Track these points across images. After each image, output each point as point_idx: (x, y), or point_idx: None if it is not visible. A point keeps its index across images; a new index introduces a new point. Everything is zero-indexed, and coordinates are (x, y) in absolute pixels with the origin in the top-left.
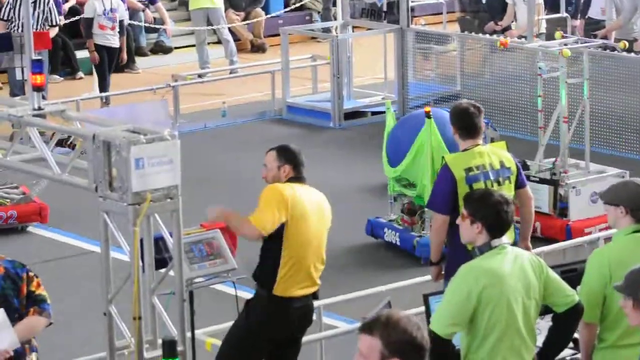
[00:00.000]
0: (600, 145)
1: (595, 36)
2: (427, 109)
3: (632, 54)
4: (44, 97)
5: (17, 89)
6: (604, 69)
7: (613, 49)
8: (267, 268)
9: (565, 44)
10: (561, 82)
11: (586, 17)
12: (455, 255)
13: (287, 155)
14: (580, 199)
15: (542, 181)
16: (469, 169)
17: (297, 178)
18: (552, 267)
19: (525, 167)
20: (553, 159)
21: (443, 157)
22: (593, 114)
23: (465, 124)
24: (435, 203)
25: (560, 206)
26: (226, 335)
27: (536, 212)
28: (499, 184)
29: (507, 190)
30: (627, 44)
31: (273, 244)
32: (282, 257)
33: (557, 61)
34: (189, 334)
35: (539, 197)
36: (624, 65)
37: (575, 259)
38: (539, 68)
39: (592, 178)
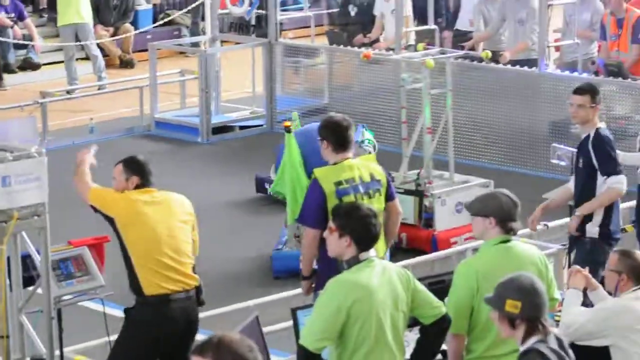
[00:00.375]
0: (465, 156)
1: (463, 47)
2: (287, 123)
3: (497, 65)
4: None
5: None
6: (468, 79)
7: (480, 59)
8: (130, 274)
9: (428, 55)
10: (424, 93)
11: (454, 28)
12: (325, 269)
13: (133, 167)
14: (445, 209)
15: (407, 192)
16: (339, 183)
17: (144, 185)
18: (420, 279)
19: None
20: (417, 170)
21: (313, 171)
22: (457, 125)
23: (337, 137)
24: (305, 217)
25: (426, 217)
26: (111, 351)
27: (402, 223)
28: (369, 196)
29: (377, 203)
30: (490, 54)
31: (122, 250)
32: (132, 258)
33: (421, 72)
34: (57, 352)
35: (404, 209)
36: (487, 76)
37: (443, 270)
38: (402, 79)
39: (457, 188)
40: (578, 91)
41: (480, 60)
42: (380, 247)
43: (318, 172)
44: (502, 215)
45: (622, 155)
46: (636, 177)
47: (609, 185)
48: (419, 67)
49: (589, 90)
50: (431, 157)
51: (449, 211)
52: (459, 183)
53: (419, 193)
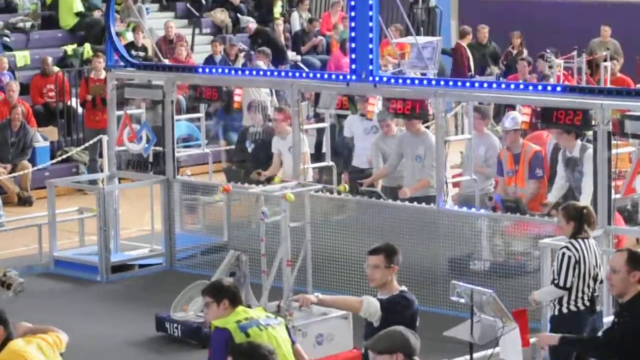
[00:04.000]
0: (364, 292)
1: (361, 184)
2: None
3: (395, 201)
4: None
5: None
6: (365, 216)
7: (371, 195)
8: None
9: (286, 188)
10: (283, 225)
11: (350, 166)
12: None
13: None
14: (306, 340)
15: None
16: (239, 321)
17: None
18: None
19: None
20: (277, 302)
21: (211, 323)
22: (354, 261)
23: (232, 294)
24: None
25: None
26: None
27: None
28: (272, 327)
29: (280, 332)
30: (346, 187)
31: None
32: None
33: (280, 205)
34: None
35: None
36: (386, 212)
37: None
38: (262, 213)
39: (317, 320)
40: (373, 251)
41: (378, 196)
42: None
43: (215, 322)
44: (409, 351)
45: (537, 293)
46: None
47: None
48: (278, 201)
49: (384, 250)
50: (292, 288)
51: (309, 343)
52: (318, 314)
53: None
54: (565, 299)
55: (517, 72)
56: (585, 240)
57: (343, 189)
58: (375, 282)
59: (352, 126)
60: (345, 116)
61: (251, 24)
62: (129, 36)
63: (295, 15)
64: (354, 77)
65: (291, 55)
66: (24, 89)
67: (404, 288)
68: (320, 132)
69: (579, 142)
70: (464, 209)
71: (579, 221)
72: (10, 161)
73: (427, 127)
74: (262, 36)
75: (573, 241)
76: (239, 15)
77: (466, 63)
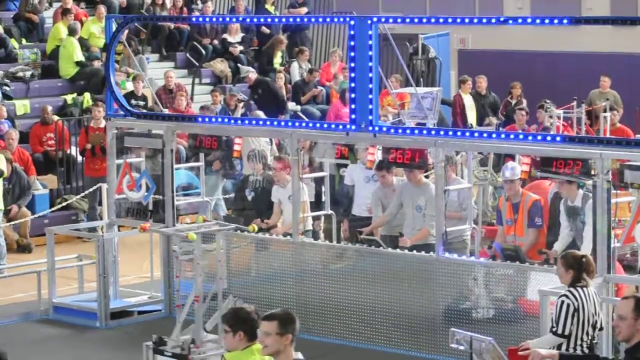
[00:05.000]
0: (364, 340)
1: (360, 232)
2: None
3: (395, 250)
4: None
5: None
6: (366, 264)
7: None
8: None
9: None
10: (194, 263)
11: (350, 215)
12: None
13: None
14: None
15: (174, 355)
16: None
17: None
18: None
19: (162, 342)
20: (188, 336)
21: (222, 356)
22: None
23: (250, 327)
24: None
25: None
26: None
27: None
28: None
29: None
30: (256, 227)
31: None
32: None
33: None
34: None
35: None
36: (385, 260)
37: None
38: (174, 251)
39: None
40: (267, 317)
41: (378, 245)
42: None
43: (227, 355)
44: None
45: (533, 342)
46: None
47: None
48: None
49: (278, 318)
50: (202, 321)
51: None
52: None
53: (182, 357)
54: (564, 347)
55: (514, 122)
56: (585, 288)
57: (252, 229)
58: (267, 350)
59: (354, 174)
60: (345, 165)
61: (251, 73)
62: (129, 85)
63: (295, 65)
64: (353, 127)
65: (291, 105)
66: (24, 138)
67: (300, 357)
68: (319, 181)
69: (580, 191)
70: (464, 257)
71: (577, 270)
72: (8, 210)
73: (427, 177)
74: (262, 86)
75: (572, 289)
76: (239, 65)
77: (459, 111)
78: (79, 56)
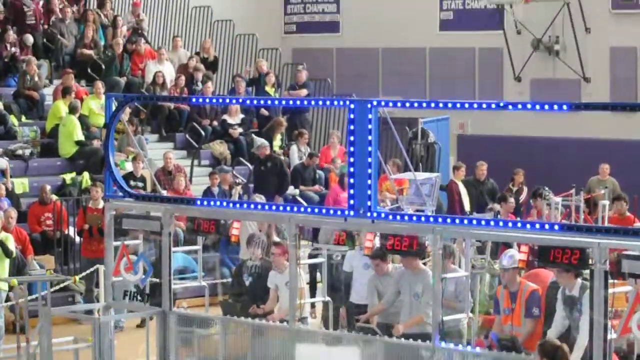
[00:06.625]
0: None
1: (358, 320)
2: None
3: (390, 338)
4: None
5: None
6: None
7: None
8: None
9: None
10: None
11: (347, 302)
12: None
13: None
14: None
15: None
16: None
17: None
18: None
19: None
20: None
21: None
22: None
23: None
24: None
25: None
26: None
27: None
28: None
29: None
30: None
31: None
32: None
33: None
34: None
35: None
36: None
37: None
38: None
39: None
40: None
41: (374, 333)
42: None
43: None
44: None
45: None
46: None
47: None
48: None
49: None
50: None
51: None
52: None
53: None
54: None
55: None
56: None
57: (13, 282)
58: None
59: (352, 261)
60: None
61: (266, 148)
62: (128, 166)
63: (294, 148)
64: (352, 212)
65: (289, 189)
66: (22, 216)
67: None
68: (315, 267)
69: (579, 280)
70: (460, 347)
71: (552, 359)
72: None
73: (425, 264)
74: (272, 161)
75: None
76: (254, 137)
77: (457, 198)
78: (79, 135)
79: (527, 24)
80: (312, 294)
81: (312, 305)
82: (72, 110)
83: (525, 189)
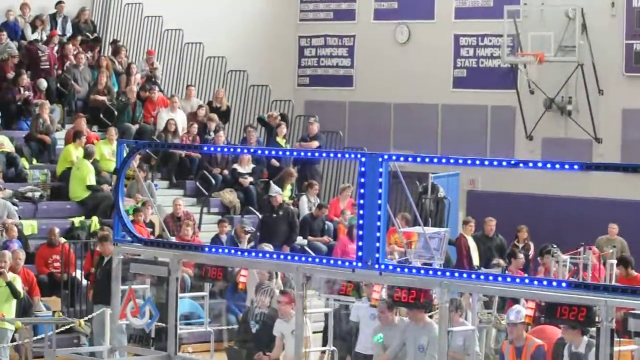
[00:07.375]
0: None
1: None
2: None
3: None
4: None
5: None
6: None
7: None
8: None
9: None
10: None
11: (353, 352)
12: None
13: None
14: None
15: None
16: None
17: None
18: None
19: None
20: None
21: None
22: None
23: None
24: None
25: None
26: None
27: None
28: None
29: None
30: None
31: None
32: None
33: None
34: None
35: None
36: None
37: None
38: None
39: None
40: None
41: None
42: None
43: None
44: None
45: None
46: None
47: None
48: None
49: None
50: None
51: None
52: None
53: None
54: None
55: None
56: None
57: (17, 325)
58: None
59: (359, 311)
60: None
61: (280, 196)
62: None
63: (304, 199)
64: (360, 264)
65: (298, 239)
66: (30, 258)
67: None
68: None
69: (585, 338)
70: None
71: None
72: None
73: (431, 317)
74: (284, 210)
75: None
76: (271, 183)
77: (465, 252)
78: (92, 180)
79: (541, 84)
80: (324, 342)
81: (323, 352)
82: (88, 155)
83: (532, 245)
